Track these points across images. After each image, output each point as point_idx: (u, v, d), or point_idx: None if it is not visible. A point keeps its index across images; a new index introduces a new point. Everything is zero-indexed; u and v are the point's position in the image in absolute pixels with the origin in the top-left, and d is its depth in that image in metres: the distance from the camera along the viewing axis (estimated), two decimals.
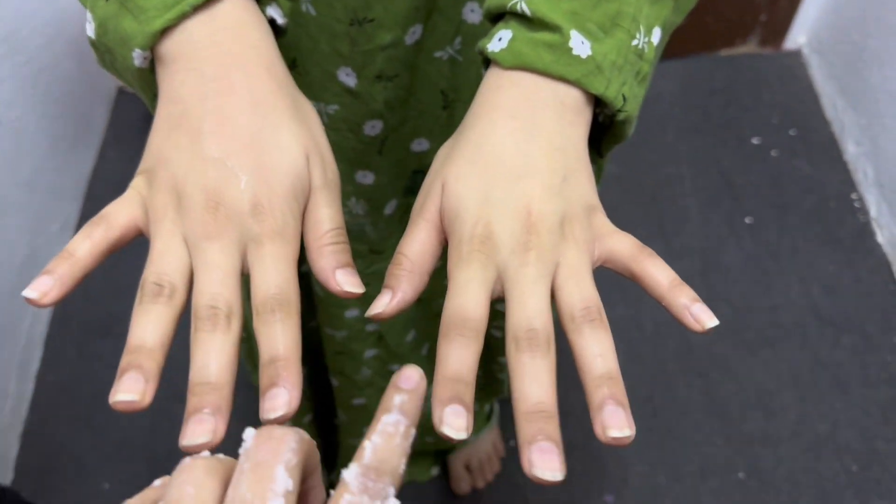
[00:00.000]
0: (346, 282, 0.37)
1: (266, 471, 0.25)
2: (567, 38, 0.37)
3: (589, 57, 0.37)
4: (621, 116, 0.39)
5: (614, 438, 0.32)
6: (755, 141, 1.59)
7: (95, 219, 0.36)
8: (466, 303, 0.35)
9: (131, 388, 0.31)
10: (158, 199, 0.36)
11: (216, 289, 0.34)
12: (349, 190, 0.60)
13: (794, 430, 1.27)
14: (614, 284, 1.41)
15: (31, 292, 0.34)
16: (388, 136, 0.56)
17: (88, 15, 0.38)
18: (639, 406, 1.29)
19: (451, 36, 0.52)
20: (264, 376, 0.33)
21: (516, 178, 0.36)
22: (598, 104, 0.39)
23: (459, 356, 0.34)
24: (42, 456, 1.24)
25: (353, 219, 0.63)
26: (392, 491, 0.26)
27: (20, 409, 1.26)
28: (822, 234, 1.47)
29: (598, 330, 0.34)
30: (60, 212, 1.41)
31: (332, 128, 0.54)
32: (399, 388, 0.30)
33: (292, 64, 0.51)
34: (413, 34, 0.50)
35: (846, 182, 1.53)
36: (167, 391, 1.22)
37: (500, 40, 0.38)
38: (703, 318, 0.35)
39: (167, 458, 1.23)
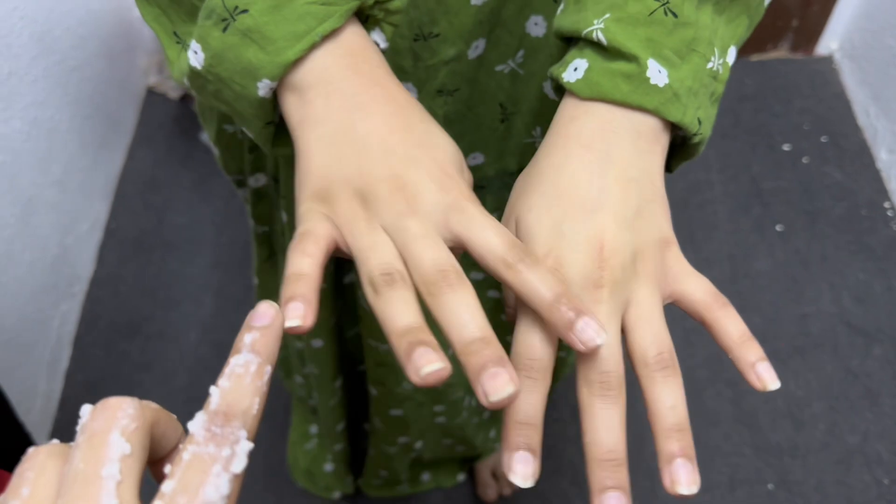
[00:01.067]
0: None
1: (100, 438, 0.24)
2: (644, 67, 0.37)
3: (666, 85, 0.37)
4: (697, 139, 0.39)
5: (681, 496, 0.32)
6: (786, 147, 1.57)
7: (298, 238, 0.36)
8: (533, 343, 0.35)
9: (432, 359, 0.31)
10: (345, 208, 0.36)
11: (434, 253, 0.34)
12: None
13: (824, 441, 1.26)
14: None
15: (292, 321, 0.32)
16: None
17: (195, 45, 0.38)
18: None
19: (514, 49, 0.51)
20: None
21: (589, 211, 0.36)
22: (673, 128, 0.39)
23: (527, 399, 0.34)
24: None
25: None
26: (243, 434, 0.25)
27: (49, 407, 1.27)
28: (853, 243, 1.45)
29: (670, 378, 0.34)
30: (90, 211, 1.42)
31: None
32: (251, 327, 0.29)
33: None
34: (476, 48, 0.50)
35: (878, 190, 1.51)
36: (178, 398, 1.23)
37: (575, 70, 0.38)
38: (766, 378, 0.35)
39: None
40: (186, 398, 1.27)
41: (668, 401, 0.34)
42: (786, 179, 1.53)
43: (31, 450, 0.25)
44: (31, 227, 1.21)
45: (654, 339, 0.35)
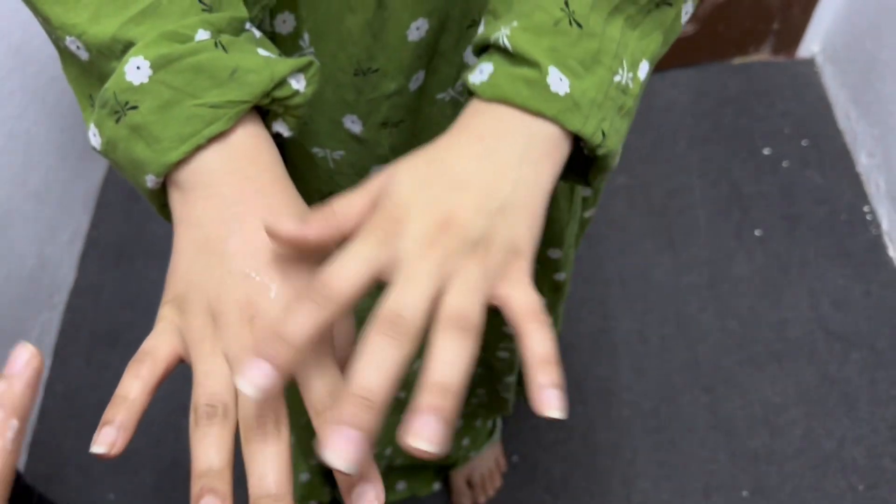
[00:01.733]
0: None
1: None
2: (545, 73, 0.37)
3: (567, 94, 0.37)
4: (601, 152, 0.39)
5: (416, 449, 0.30)
6: (766, 151, 1.57)
7: (139, 356, 0.36)
8: (338, 273, 0.33)
9: None
10: (195, 322, 0.36)
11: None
12: None
13: (800, 447, 1.26)
14: (620, 298, 1.41)
15: (99, 448, 0.34)
16: None
17: (92, 128, 0.39)
18: (644, 420, 1.28)
19: (453, 78, 0.52)
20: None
21: (454, 187, 0.36)
22: (579, 139, 0.39)
23: (303, 317, 0.32)
24: (49, 466, 1.26)
25: None
26: None
27: (29, 419, 1.28)
28: (832, 247, 1.45)
29: (462, 339, 0.32)
30: (70, 222, 1.43)
31: (339, 172, 0.55)
32: (1, 374, 0.28)
33: None
34: (416, 80, 0.51)
35: (858, 194, 1.51)
36: (171, 404, 1.23)
37: (481, 73, 0.39)
38: (551, 402, 0.32)
39: (172, 468, 1.24)
40: (168, 408, 1.27)
41: (448, 357, 0.32)
42: (766, 183, 1.53)
43: None
44: (7, 239, 1.21)
45: (460, 304, 0.33)
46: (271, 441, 0.34)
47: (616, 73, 0.38)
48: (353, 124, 0.52)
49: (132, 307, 1.41)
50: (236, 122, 0.37)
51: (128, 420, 0.34)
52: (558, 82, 0.37)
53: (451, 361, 0.32)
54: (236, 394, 0.35)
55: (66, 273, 1.42)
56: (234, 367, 0.35)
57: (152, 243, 1.49)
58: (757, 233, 1.47)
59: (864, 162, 1.52)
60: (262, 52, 0.39)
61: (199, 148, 0.37)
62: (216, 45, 0.37)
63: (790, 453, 1.25)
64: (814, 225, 1.48)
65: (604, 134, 0.38)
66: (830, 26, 1.63)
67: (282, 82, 0.38)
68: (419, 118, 0.54)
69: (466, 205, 0.36)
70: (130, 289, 1.44)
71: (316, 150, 0.54)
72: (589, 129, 0.38)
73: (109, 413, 0.34)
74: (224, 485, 0.33)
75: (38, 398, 1.27)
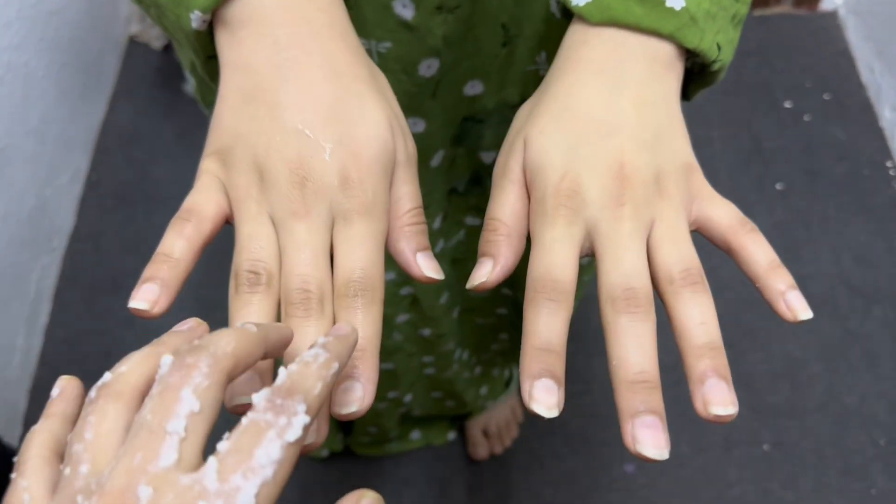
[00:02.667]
0: (427, 266, 0.35)
1: (171, 393, 0.24)
2: None
3: (683, 9, 0.34)
4: (716, 66, 0.36)
5: (717, 416, 0.30)
6: (787, 105, 1.53)
7: (182, 213, 0.33)
8: (554, 264, 0.32)
9: (244, 390, 0.31)
10: (240, 179, 0.33)
11: (306, 270, 0.32)
12: None
13: (822, 401, 1.23)
14: None
15: (139, 303, 0.31)
16: (443, 78, 0.52)
17: None
18: (664, 374, 1.24)
19: None
20: None
21: (606, 134, 0.34)
22: (690, 53, 0.37)
23: (549, 323, 0.31)
24: None
25: None
26: (302, 408, 0.25)
27: (28, 363, 1.23)
28: (854, 203, 1.42)
29: (699, 295, 0.32)
30: (70, 163, 1.37)
31: (385, 69, 0.50)
32: (328, 333, 0.29)
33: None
34: None
35: (881, 149, 1.47)
36: None
37: None
38: (797, 307, 0.33)
39: None
40: None
41: (697, 316, 0.31)
42: (787, 137, 1.50)
43: (92, 391, 0.26)
44: (7, 177, 1.16)
45: (680, 256, 0.32)
46: (314, 319, 0.31)
47: None
48: (404, 9, 0.47)
49: (134, 253, 1.37)
50: None
51: (173, 279, 0.31)
52: None
53: (704, 320, 0.31)
54: (280, 261, 0.33)
55: (65, 216, 1.37)
56: (281, 233, 0.33)
57: (154, 188, 1.44)
58: (778, 187, 1.44)
59: (887, 116, 1.48)
60: None
61: None
62: None
63: (811, 408, 1.23)
64: (835, 180, 1.44)
65: (719, 48, 0.36)
66: None
67: None
68: (477, 6, 0.49)
69: (626, 147, 0.33)
70: (132, 234, 1.39)
71: (360, 41, 0.48)
72: (706, 44, 0.35)
73: (151, 270, 0.31)
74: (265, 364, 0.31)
75: (37, 344, 1.23)
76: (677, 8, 0.34)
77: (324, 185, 0.32)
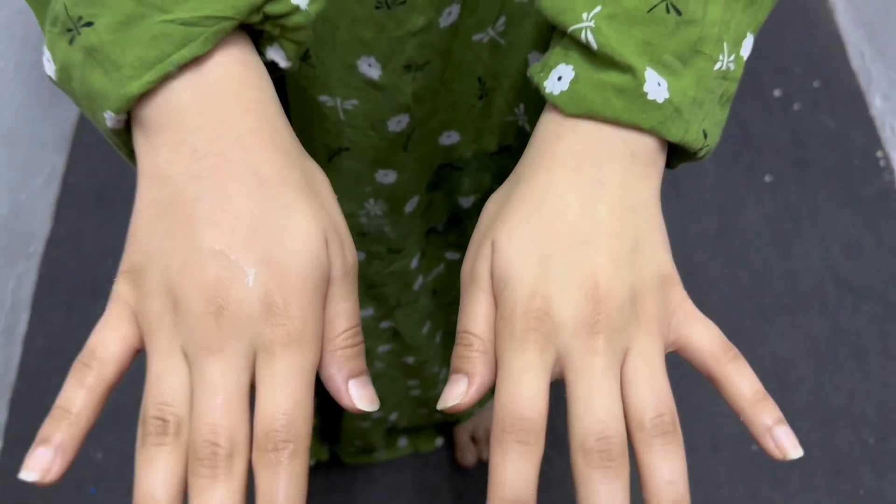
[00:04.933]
0: (359, 396, 0.32)
1: None
2: (641, 81, 0.31)
3: (667, 101, 0.32)
4: (702, 153, 0.34)
5: None
6: (776, 93, 1.51)
7: (84, 357, 0.30)
8: (523, 398, 0.30)
9: None
10: (152, 305, 0.30)
11: (216, 418, 0.28)
12: (368, 191, 0.53)
13: (810, 401, 1.23)
14: None
15: (29, 474, 0.28)
16: (414, 131, 0.49)
17: (45, 51, 0.31)
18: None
19: (495, 16, 0.44)
20: None
21: (580, 246, 0.31)
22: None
23: (518, 469, 0.29)
24: (32, 423, 1.20)
25: (371, 220, 0.57)
26: None
27: (8, 375, 1.21)
28: (844, 194, 1.40)
29: (670, 447, 0.30)
30: (45, 163, 1.34)
31: (351, 125, 0.47)
32: None
33: (304, 55, 0.44)
34: (449, 14, 0.43)
35: (872, 139, 1.46)
36: None
37: (559, 79, 0.33)
38: (786, 444, 0.32)
39: None
40: None
41: (667, 474, 0.30)
42: (776, 127, 1.47)
43: None
44: None
45: (653, 396, 0.31)
46: (221, 480, 0.28)
47: (717, 61, 0.33)
48: (370, 68, 0.44)
49: (114, 256, 1.34)
50: (216, 44, 0.30)
51: (69, 440, 0.29)
52: (656, 88, 0.32)
53: (673, 479, 0.30)
54: (192, 405, 0.29)
55: (41, 220, 1.33)
56: (193, 370, 0.29)
57: (133, 188, 1.40)
58: (767, 178, 1.42)
59: (878, 105, 1.46)
60: None
61: (167, 77, 0.29)
62: None
63: (800, 408, 1.23)
64: (825, 170, 1.43)
65: (705, 135, 0.33)
66: None
67: None
68: (449, 61, 0.46)
69: (601, 262, 0.31)
70: (111, 236, 1.36)
71: (324, 98, 0.45)
72: (691, 136, 0.33)
73: (47, 429, 0.29)
74: None
75: (16, 353, 1.20)
76: (660, 100, 0.32)
77: (243, 314, 0.29)
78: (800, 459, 1.16)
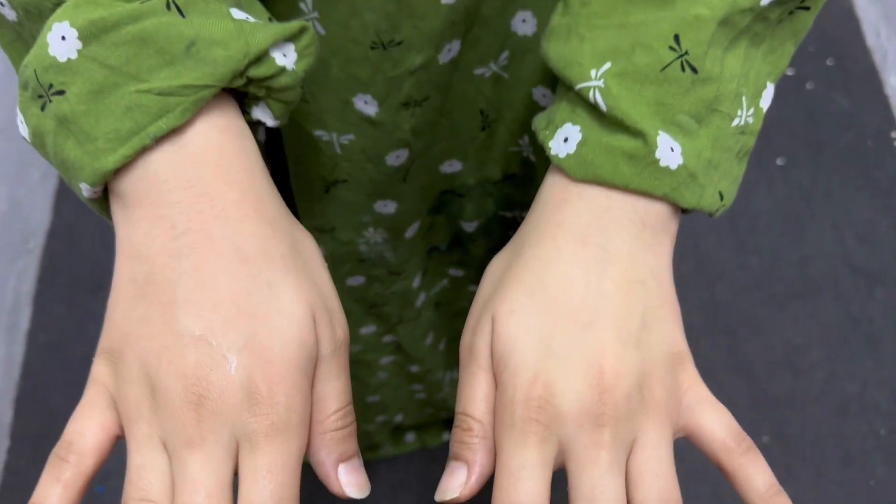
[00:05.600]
0: (349, 482, 0.30)
1: None
2: (653, 147, 0.30)
3: (680, 167, 0.30)
4: (718, 214, 0.33)
5: None
6: (789, 72, 1.47)
7: (60, 450, 0.29)
8: (521, 496, 0.28)
9: None
10: (129, 392, 0.28)
11: None
12: (367, 220, 0.51)
13: (822, 390, 1.22)
14: None
15: None
16: (413, 163, 0.47)
17: (18, 113, 0.29)
18: None
19: (497, 51, 0.42)
20: None
21: (585, 325, 0.30)
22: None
23: None
24: (38, 421, 1.19)
25: (371, 247, 0.55)
26: None
27: (11, 373, 1.20)
28: (858, 177, 1.37)
29: None
30: (41, 158, 1.31)
31: (348, 159, 0.45)
32: None
33: None
34: (449, 52, 0.40)
35: (886, 119, 1.42)
36: None
37: (566, 141, 0.31)
38: None
39: None
40: None
41: None
42: (789, 108, 1.44)
43: None
44: None
45: (659, 495, 0.29)
46: None
47: (735, 117, 0.31)
48: (366, 105, 0.41)
49: (113, 249, 1.32)
50: (195, 113, 0.28)
51: None
52: (669, 153, 0.30)
53: None
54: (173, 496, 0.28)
55: (40, 215, 1.32)
56: (173, 462, 0.27)
57: None
58: (779, 162, 1.39)
59: (893, 84, 1.42)
60: (236, 13, 0.29)
61: (143, 150, 0.28)
62: (168, 5, 0.28)
63: (811, 397, 1.21)
64: (839, 152, 1.39)
65: (721, 196, 0.32)
66: None
67: (261, 56, 0.29)
68: (450, 95, 0.44)
69: (608, 344, 0.29)
70: (110, 230, 1.33)
71: (319, 133, 0.43)
72: (706, 201, 0.31)
73: None
74: None
75: (20, 351, 1.19)
76: (673, 166, 0.30)
77: (225, 404, 0.27)
78: (811, 451, 1.15)
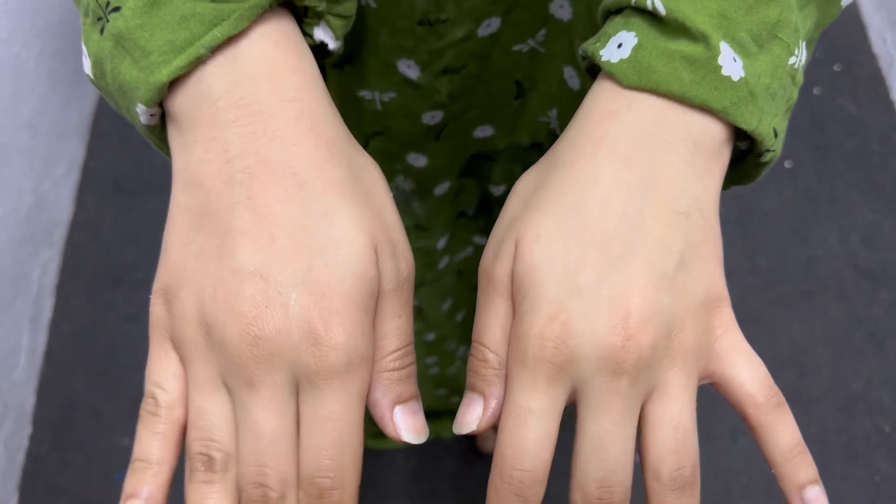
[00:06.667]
0: (405, 425, 0.29)
1: None
2: (716, 52, 0.27)
3: (742, 80, 0.27)
4: (768, 157, 0.29)
5: None
6: None
7: (148, 406, 0.28)
8: (527, 444, 0.26)
9: None
10: (185, 332, 0.27)
11: (264, 459, 0.26)
12: (398, 168, 0.53)
13: (827, 388, 1.24)
14: None
15: None
16: (447, 124, 0.49)
17: (83, 49, 0.29)
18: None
19: (535, 29, 0.44)
20: None
21: (616, 258, 0.27)
22: (737, 138, 0.30)
23: None
24: (59, 409, 1.22)
25: (399, 194, 0.56)
26: None
27: (34, 361, 1.23)
28: (863, 181, 1.40)
29: (685, 501, 0.27)
30: (66, 152, 1.34)
31: (387, 114, 0.47)
32: None
33: (347, 57, 0.44)
34: (488, 26, 0.42)
35: (891, 124, 1.45)
36: None
37: (619, 47, 0.29)
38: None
39: None
40: None
41: None
42: (796, 111, 1.47)
43: None
44: (2, 177, 1.13)
45: (676, 447, 0.27)
46: None
47: (793, 53, 0.28)
48: (409, 69, 0.44)
49: (134, 244, 1.35)
50: (252, 22, 0.27)
51: (157, 490, 0.28)
52: (731, 63, 0.27)
53: None
54: (237, 441, 0.28)
55: (63, 208, 1.34)
56: (235, 404, 0.27)
57: (152, 174, 1.41)
58: (787, 164, 1.41)
59: None
60: None
61: (198, 63, 0.27)
62: None
63: (817, 395, 1.24)
64: (845, 156, 1.42)
65: (775, 133, 0.29)
66: None
67: None
68: (488, 66, 0.46)
69: (639, 283, 0.26)
70: (131, 224, 1.37)
71: (363, 93, 0.45)
72: (764, 128, 0.28)
73: (132, 484, 0.28)
74: None
75: (42, 340, 1.22)
76: (735, 78, 0.27)
77: (283, 344, 0.26)
78: (816, 446, 1.17)
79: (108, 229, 1.36)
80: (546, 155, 0.31)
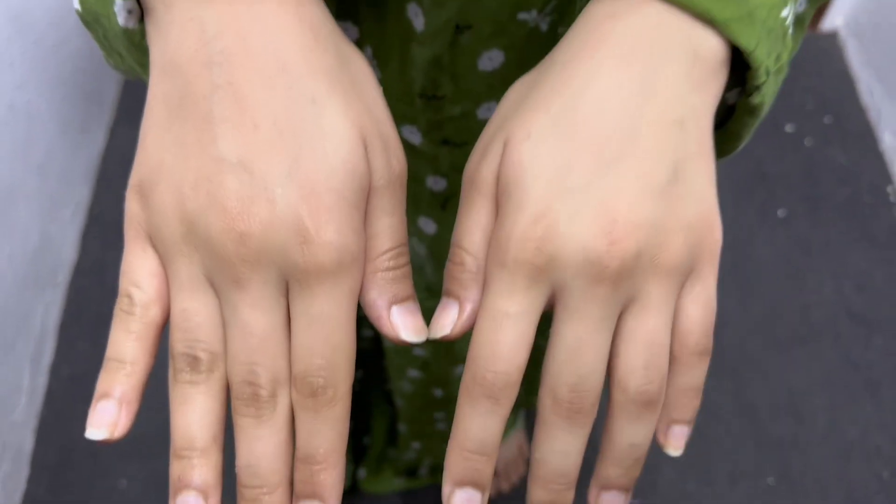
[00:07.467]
0: (403, 324, 0.28)
1: None
2: None
3: None
4: (757, 99, 0.29)
5: None
6: (789, 128, 1.54)
7: (122, 304, 0.27)
8: (501, 348, 0.26)
9: None
10: (165, 228, 0.25)
11: (254, 357, 0.26)
12: (411, 230, 0.54)
13: (825, 434, 1.25)
14: None
15: (97, 432, 0.26)
16: (453, 195, 0.50)
17: None
18: None
19: None
20: (298, 478, 0.27)
21: (607, 163, 0.26)
22: (736, 66, 0.29)
23: (484, 425, 0.27)
24: (58, 452, 1.22)
25: (414, 256, 0.57)
26: None
27: (34, 403, 1.23)
28: (855, 229, 1.43)
29: (645, 417, 0.27)
30: (72, 196, 1.37)
31: None
32: None
33: None
34: (487, 110, 0.43)
35: (881, 174, 1.48)
36: None
37: None
38: (672, 441, 0.29)
39: None
40: None
41: (633, 438, 0.28)
42: (789, 162, 1.50)
43: None
44: (11, 218, 1.15)
45: (647, 362, 0.27)
46: (265, 422, 0.26)
47: (786, 3, 0.28)
48: (411, 135, 0.45)
49: None
50: None
51: (130, 390, 0.26)
52: None
53: (635, 443, 0.28)
54: (224, 335, 0.26)
55: (68, 250, 1.36)
56: (222, 302, 0.26)
57: None
58: (780, 213, 1.44)
59: (887, 141, 1.49)
60: None
61: None
62: None
63: (815, 440, 1.24)
64: (837, 206, 1.45)
65: (767, 73, 0.28)
66: (855, 0, 1.58)
67: None
68: None
69: (628, 188, 0.25)
70: None
71: None
72: (760, 54, 0.27)
73: (105, 383, 0.26)
74: (208, 471, 0.26)
75: (43, 381, 1.22)
76: None
77: (269, 241, 0.24)
78: (815, 492, 1.18)
79: (111, 273, 1.37)
80: (544, 59, 0.29)
